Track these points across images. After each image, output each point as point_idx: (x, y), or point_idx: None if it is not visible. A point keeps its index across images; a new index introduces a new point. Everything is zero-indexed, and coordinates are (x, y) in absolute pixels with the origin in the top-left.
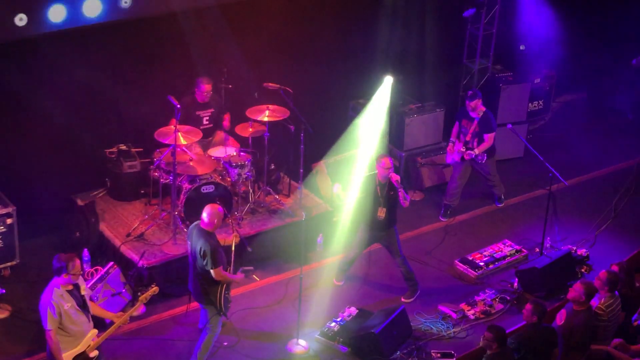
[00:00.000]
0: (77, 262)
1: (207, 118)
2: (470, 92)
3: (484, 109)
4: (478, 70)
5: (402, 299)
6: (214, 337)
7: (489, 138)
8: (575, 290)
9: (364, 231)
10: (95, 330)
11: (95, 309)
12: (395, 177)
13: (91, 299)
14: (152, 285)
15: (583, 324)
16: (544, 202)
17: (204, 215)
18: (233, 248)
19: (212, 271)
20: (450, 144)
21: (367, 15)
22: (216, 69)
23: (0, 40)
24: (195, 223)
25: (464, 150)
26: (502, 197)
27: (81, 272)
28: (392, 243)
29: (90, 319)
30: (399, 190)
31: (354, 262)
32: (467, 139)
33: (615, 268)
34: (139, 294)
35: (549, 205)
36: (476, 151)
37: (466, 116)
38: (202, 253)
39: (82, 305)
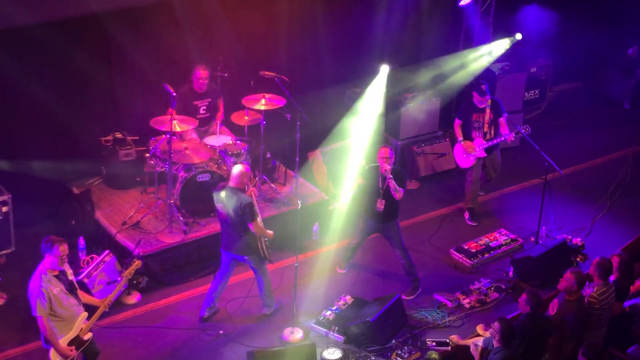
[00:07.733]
0: (65, 246)
1: (204, 108)
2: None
3: (489, 96)
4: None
5: (403, 297)
6: (270, 280)
7: (504, 120)
8: (566, 280)
9: (364, 220)
10: (86, 313)
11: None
12: (385, 167)
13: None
14: (134, 260)
15: (575, 313)
16: (539, 191)
17: (234, 175)
18: (255, 202)
19: (251, 224)
20: (461, 146)
21: (364, 3)
22: (212, 57)
23: None
24: (222, 185)
25: (485, 143)
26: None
27: (66, 259)
28: (392, 237)
29: (81, 301)
30: (388, 180)
31: (356, 250)
32: (485, 130)
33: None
34: (126, 273)
35: (544, 194)
36: (513, 135)
37: (475, 110)
38: (242, 208)
39: (70, 289)
